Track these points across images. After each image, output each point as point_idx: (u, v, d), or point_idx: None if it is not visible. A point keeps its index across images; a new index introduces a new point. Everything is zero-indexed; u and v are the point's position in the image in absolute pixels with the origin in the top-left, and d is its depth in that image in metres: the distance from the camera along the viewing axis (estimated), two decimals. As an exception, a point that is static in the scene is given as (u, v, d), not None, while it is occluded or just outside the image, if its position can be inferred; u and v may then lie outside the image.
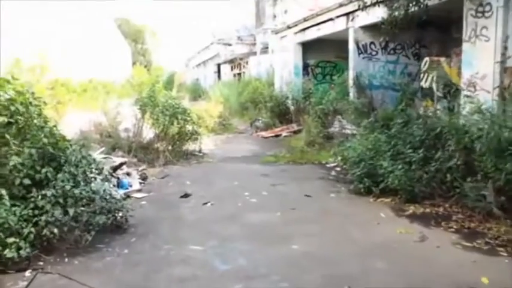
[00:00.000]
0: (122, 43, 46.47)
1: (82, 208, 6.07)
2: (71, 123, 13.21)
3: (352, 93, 14.90)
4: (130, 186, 9.27)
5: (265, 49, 27.36)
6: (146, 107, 11.84)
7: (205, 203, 8.12)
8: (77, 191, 6.07)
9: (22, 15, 23.88)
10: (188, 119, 12.42)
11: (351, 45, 15.20)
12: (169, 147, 12.03)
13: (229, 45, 33.16)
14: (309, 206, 7.93)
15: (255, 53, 28.73)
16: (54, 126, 6.89)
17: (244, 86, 25.27)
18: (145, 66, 47.59)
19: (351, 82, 15.02)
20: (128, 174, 9.83)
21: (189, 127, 12.45)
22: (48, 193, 5.85)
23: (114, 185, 8.71)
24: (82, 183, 6.44)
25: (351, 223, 6.96)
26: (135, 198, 8.58)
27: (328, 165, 11.31)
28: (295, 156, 12.16)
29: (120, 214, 6.78)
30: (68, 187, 6.04)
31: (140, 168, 10.68)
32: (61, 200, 5.95)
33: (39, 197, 5.80)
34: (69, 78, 19.10)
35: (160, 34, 52.28)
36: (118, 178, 9.06)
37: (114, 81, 23.76)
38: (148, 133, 12.21)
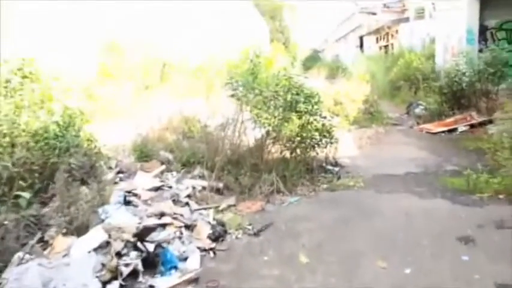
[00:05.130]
0: (259, 21, 41.83)
1: None
2: (158, 113, 8.45)
3: None
4: (184, 260, 4.11)
5: (419, 14, 20.54)
6: (243, 94, 6.48)
7: None
8: None
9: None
10: (316, 110, 6.84)
11: None
12: (282, 159, 6.60)
13: (374, 14, 26.49)
14: None
15: (406, 20, 21.92)
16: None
17: (393, 61, 18.90)
18: (283, 44, 42.64)
19: None
20: (188, 227, 4.64)
21: (317, 123, 6.87)
22: None
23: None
24: None
25: None
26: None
27: None
28: (510, 179, 6.02)
29: None
30: None
31: (222, 206, 5.46)
32: None
33: None
34: (183, 58, 14.27)
35: (299, 9, 46.75)
36: (148, 252, 3.88)
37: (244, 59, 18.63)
38: (251, 135, 6.86)
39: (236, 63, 7.19)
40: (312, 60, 31.61)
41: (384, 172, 7.11)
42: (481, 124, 10.42)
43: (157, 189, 5.39)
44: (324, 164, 7.15)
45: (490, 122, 10.23)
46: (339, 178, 6.77)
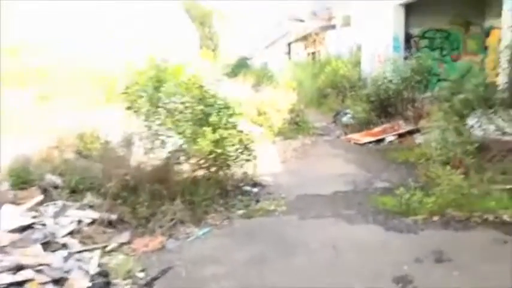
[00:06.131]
0: (189, 27, 40.55)
1: None
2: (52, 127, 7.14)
3: (503, 71, 8.23)
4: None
5: (346, 21, 20.31)
6: (141, 107, 5.43)
7: None
8: None
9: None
10: (232, 123, 5.93)
11: (508, -9, 8.41)
12: (192, 182, 5.58)
13: (302, 21, 26.15)
14: None
15: (333, 27, 21.65)
16: None
17: (321, 68, 18.43)
18: (213, 50, 41.72)
19: (505, 52, 8.23)
20: (57, 281, 3.52)
21: (233, 138, 5.94)
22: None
23: None
24: None
25: None
26: None
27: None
28: (444, 198, 5.38)
29: None
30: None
31: (112, 245, 4.37)
32: None
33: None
34: (97, 64, 12.68)
35: (229, 16, 45.83)
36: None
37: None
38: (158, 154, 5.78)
39: (141, 70, 6.07)
40: (240, 67, 30.80)
41: (309, 192, 6.28)
42: (409, 133, 9.98)
43: (25, 228, 4.21)
44: (241, 184, 6.21)
45: (418, 130, 9.82)
46: (257, 201, 5.85)
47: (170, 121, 5.43)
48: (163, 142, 5.46)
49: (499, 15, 9.73)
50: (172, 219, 4.83)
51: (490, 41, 13.18)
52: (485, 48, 13.40)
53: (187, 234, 4.77)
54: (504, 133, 7.62)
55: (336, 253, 4.28)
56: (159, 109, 5.50)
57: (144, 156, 5.56)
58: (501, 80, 8.15)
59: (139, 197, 4.93)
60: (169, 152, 5.47)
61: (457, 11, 13.23)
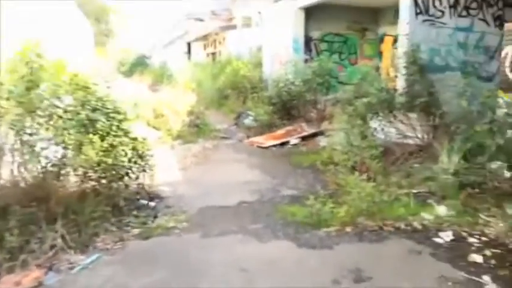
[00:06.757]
0: (82, 23, 38.04)
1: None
2: None
3: (401, 78, 8.28)
4: None
5: (246, 22, 20.02)
6: (8, 112, 4.45)
7: None
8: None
9: None
10: (122, 129, 5.14)
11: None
12: (78, 198, 4.70)
13: (202, 20, 25.48)
14: None
15: (233, 27, 21.27)
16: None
17: (221, 68, 17.91)
18: (109, 47, 39.67)
19: (402, 59, 8.25)
20: None
21: (125, 146, 5.14)
22: None
23: None
24: None
25: None
26: None
27: (437, 239, 4.53)
28: (355, 207, 5.05)
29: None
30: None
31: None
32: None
33: None
34: None
35: (126, 13, 43.73)
36: None
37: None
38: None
39: (10, 67, 5.02)
40: (137, 66, 29.43)
41: (212, 203, 5.65)
42: (312, 135, 9.80)
43: None
44: (136, 198, 5.43)
45: (321, 133, 9.67)
46: (155, 217, 5.11)
47: (47, 128, 4.51)
48: (39, 153, 4.51)
49: (391, 23, 9.95)
50: (52, 247, 3.95)
51: (384, 47, 13.58)
52: (380, 53, 13.79)
53: (71, 264, 3.89)
54: (405, 136, 7.64)
55: (246, 277, 3.71)
56: (34, 114, 4.54)
57: (17, 171, 4.58)
58: (399, 85, 8.15)
59: (8, 223, 3.96)
60: (44, 166, 4.54)
61: (353, 17, 13.47)
